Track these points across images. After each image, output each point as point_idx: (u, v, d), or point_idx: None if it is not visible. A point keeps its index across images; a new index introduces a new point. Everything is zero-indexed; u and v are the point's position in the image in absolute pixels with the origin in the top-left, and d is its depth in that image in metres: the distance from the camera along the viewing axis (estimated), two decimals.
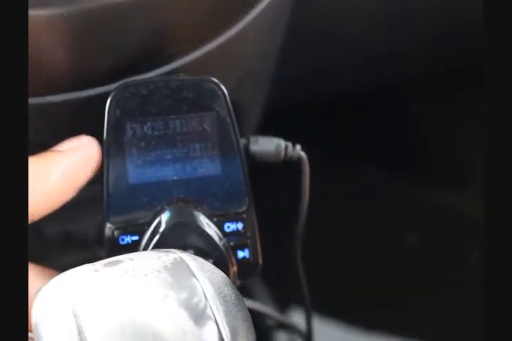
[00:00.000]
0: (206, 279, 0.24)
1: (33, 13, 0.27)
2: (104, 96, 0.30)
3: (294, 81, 0.51)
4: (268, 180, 0.49)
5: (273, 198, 0.49)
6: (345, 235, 0.69)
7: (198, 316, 0.23)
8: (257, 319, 0.26)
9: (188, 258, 0.25)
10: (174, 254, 0.25)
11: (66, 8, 0.27)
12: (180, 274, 0.24)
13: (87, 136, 0.30)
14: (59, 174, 0.28)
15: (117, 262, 0.24)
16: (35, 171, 0.28)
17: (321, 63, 0.53)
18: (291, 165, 0.33)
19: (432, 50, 0.56)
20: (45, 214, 0.29)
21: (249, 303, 0.31)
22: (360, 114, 0.73)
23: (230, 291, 0.24)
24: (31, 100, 0.30)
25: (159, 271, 0.24)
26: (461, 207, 0.69)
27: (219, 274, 0.25)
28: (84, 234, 0.40)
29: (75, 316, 0.22)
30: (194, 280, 0.24)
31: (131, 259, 0.25)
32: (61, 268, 0.38)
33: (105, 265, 0.24)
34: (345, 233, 0.69)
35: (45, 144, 0.33)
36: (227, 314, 0.23)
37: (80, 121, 0.31)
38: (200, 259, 0.25)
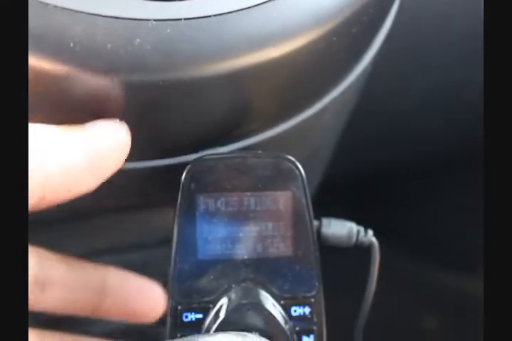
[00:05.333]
0: None
1: (129, 78, 0.27)
2: (181, 166, 0.29)
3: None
4: (336, 262, 0.48)
5: (338, 281, 0.49)
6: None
7: None
8: None
9: None
10: (250, 340, 0.24)
11: (162, 76, 0.27)
12: None
13: (119, 122, 0.27)
14: (82, 158, 0.25)
15: None
16: (55, 141, 0.25)
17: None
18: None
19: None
20: (60, 196, 0.25)
21: None
22: (371, 195, 0.73)
23: None
24: None
25: None
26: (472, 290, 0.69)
27: None
28: None
29: None
30: None
31: None
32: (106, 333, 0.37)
33: None
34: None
35: (118, 207, 0.32)
36: None
37: (155, 188, 0.31)
38: None
